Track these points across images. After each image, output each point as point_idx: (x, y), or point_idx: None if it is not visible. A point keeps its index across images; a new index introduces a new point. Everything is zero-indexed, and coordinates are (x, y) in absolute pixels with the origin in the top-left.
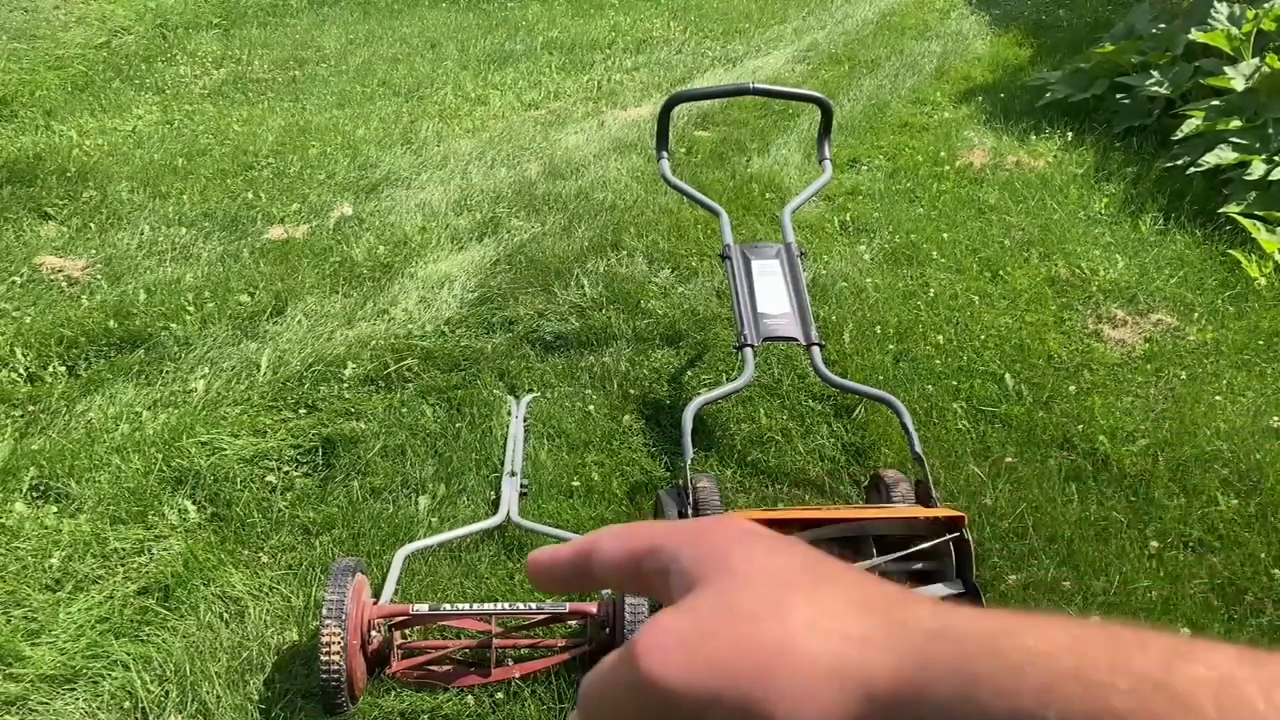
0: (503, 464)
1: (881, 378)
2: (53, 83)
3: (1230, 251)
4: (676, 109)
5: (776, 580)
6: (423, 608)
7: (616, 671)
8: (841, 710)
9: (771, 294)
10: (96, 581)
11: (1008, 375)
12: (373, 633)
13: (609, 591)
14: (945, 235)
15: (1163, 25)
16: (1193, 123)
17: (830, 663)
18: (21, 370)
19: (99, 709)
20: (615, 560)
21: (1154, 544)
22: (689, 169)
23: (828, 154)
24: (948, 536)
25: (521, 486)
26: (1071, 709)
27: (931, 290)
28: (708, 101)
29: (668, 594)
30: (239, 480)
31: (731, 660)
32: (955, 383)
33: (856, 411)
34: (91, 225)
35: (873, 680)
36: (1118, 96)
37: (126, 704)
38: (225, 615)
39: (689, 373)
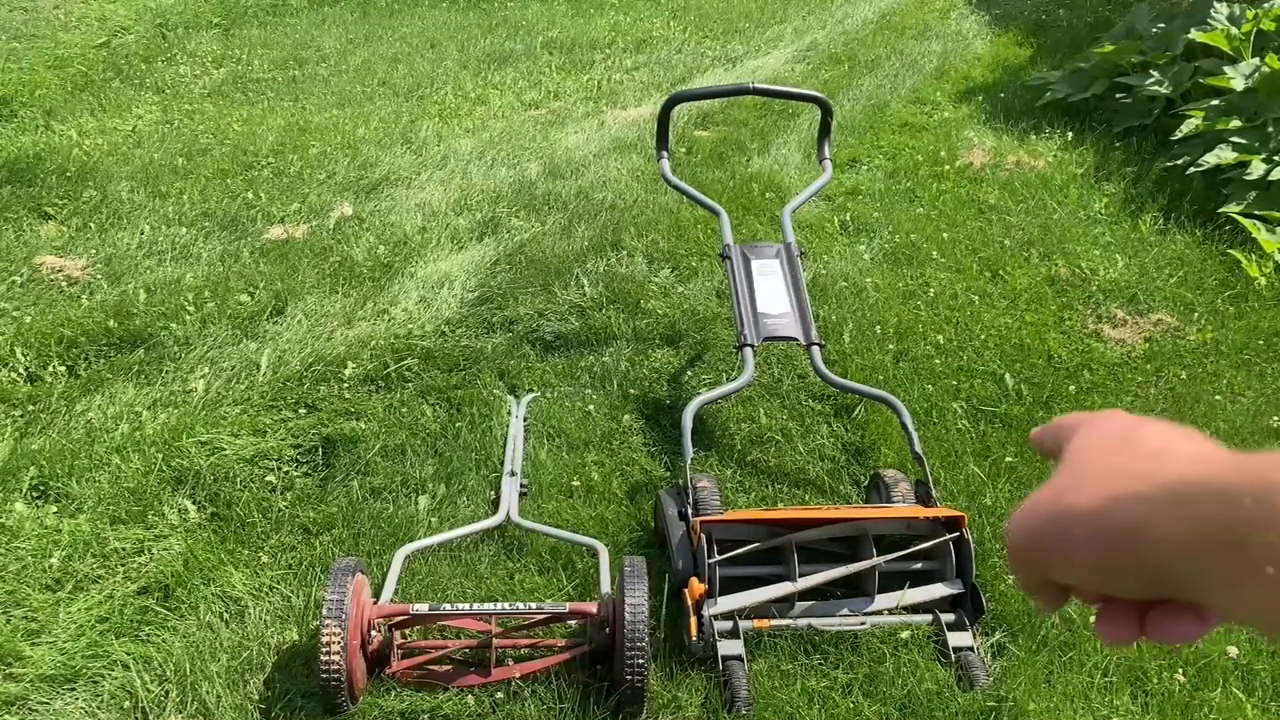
0: (503, 464)
1: (881, 378)
2: (53, 83)
3: (1230, 251)
4: (676, 109)
5: (1079, 462)
6: (423, 608)
7: None
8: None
9: (771, 294)
10: (96, 581)
11: (1008, 375)
12: (373, 633)
13: (609, 591)
14: (945, 235)
15: (1163, 25)
16: (1193, 123)
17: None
18: (21, 370)
19: (99, 709)
20: (1045, 432)
21: None
22: (689, 169)
23: (828, 154)
24: (948, 536)
25: (521, 486)
26: None
27: (931, 290)
28: (708, 101)
29: None
30: (239, 480)
31: (1037, 510)
32: (955, 383)
33: (856, 411)
34: (91, 225)
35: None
36: (1118, 96)
37: (126, 704)
38: (225, 615)
39: (689, 373)
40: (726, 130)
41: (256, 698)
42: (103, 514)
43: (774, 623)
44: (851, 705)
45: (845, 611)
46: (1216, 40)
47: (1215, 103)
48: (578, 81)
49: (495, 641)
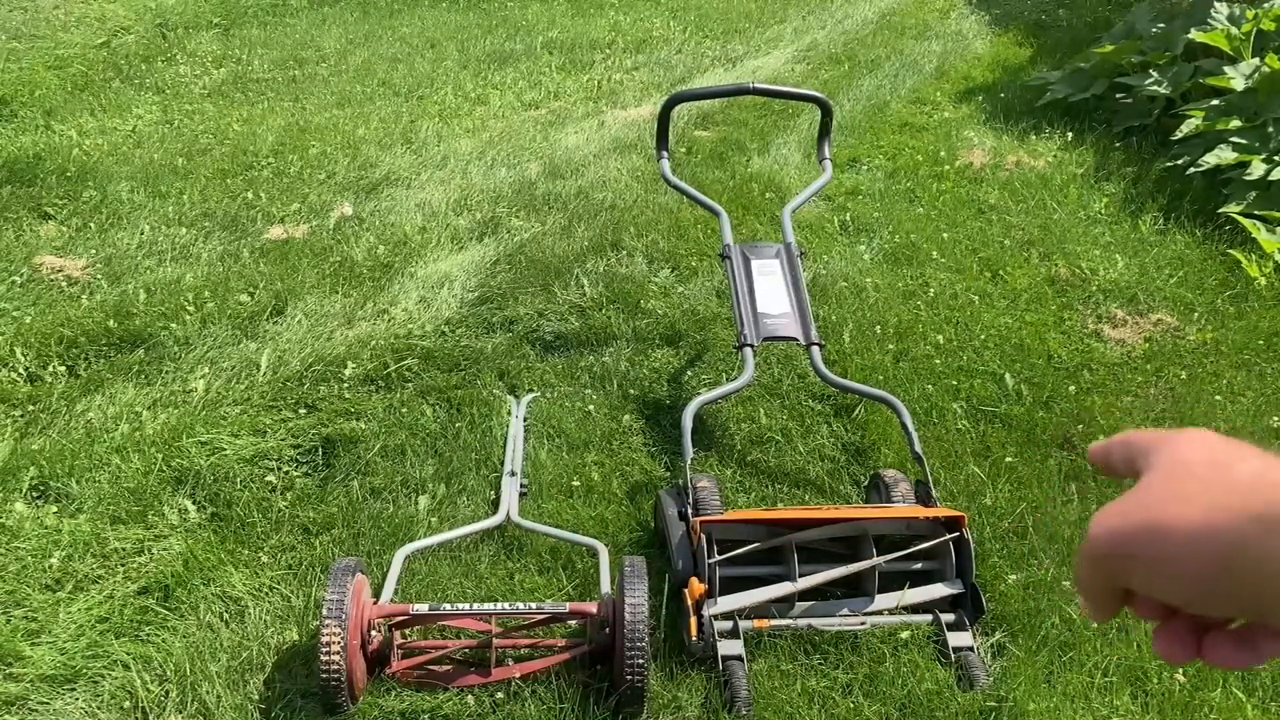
0: (503, 464)
1: (881, 378)
2: (53, 82)
3: (1230, 251)
4: (677, 109)
5: (1176, 477)
6: (423, 608)
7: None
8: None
9: (771, 294)
10: (96, 581)
11: (1008, 375)
12: (373, 633)
13: (609, 591)
14: (945, 235)
15: (1163, 25)
16: (1193, 123)
17: (1199, 517)
18: (21, 370)
19: (99, 709)
20: (1110, 448)
21: None
22: (689, 169)
23: (828, 154)
24: (948, 536)
25: (521, 486)
26: None
27: (931, 290)
28: (708, 101)
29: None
30: (239, 480)
31: (1130, 518)
32: (955, 383)
33: (856, 411)
34: (91, 225)
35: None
36: (1118, 96)
37: (126, 704)
38: (225, 615)
39: (689, 373)
40: (726, 130)
41: (256, 698)
42: (103, 514)
43: (774, 623)
44: (851, 705)
45: (845, 611)
46: (1216, 40)
47: (1215, 103)
48: (578, 81)
49: (495, 641)
